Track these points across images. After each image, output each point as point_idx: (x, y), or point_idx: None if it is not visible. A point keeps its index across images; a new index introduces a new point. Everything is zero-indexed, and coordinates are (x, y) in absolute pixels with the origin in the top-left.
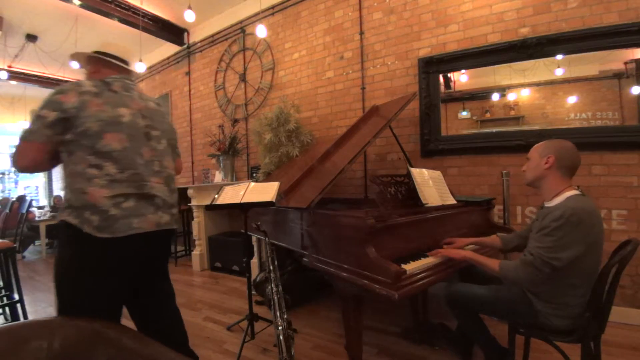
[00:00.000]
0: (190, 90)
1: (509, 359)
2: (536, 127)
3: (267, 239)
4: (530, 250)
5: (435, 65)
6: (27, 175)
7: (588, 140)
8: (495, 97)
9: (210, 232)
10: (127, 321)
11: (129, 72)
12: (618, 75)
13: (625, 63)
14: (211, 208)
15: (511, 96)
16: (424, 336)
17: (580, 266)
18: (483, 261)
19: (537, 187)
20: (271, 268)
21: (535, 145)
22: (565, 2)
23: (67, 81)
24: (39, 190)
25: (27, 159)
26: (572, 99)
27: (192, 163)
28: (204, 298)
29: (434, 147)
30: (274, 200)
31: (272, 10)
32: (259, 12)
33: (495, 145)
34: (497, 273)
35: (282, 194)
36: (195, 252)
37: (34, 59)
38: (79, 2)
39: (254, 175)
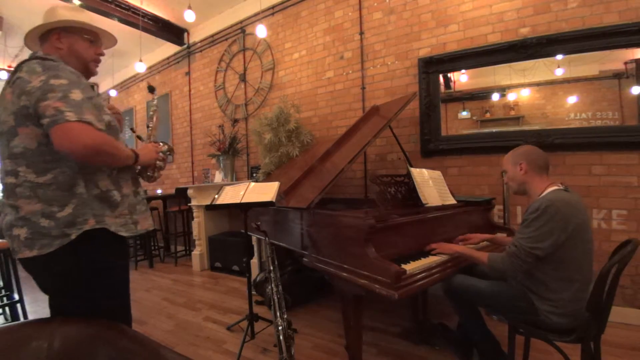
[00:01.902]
0: (190, 90)
1: (509, 359)
2: (536, 127)
3: (267, 239)
4: (514, 242)
5: (435, 65)
6: None
7: (588, 140)
8: (495, 97)
9: (210, 232)
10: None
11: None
12: (618, 75)
13: (625, 63)
14: (211, 208)
15: (511, 96)
16: (424, 336)
17: (569, 258)
18: (474, 254)
19: (524, 192)
20: (271, 268)
21: (504, 158)
22: (565, 2)
23: None
24: None
25: None
26: (572, 99)
27: (192, 163)
28: (204, 298)
29: (434, 147)
30: (274, 200)
31: (272, 10)
32: (259, 12)
33: (495, 145)
34: (486, 264)
35: (282, 194)
36: (195, 252)
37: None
38: (79, 2)
39: (254, 175)
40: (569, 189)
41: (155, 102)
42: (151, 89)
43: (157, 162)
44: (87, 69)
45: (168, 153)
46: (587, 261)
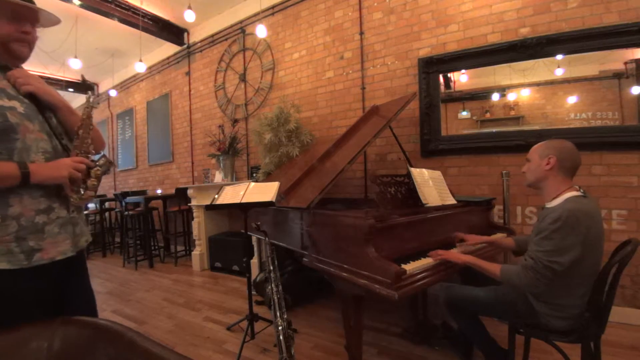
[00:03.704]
0: (190, 90)
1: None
2: (536, 127)
3: (267, 239)
4: (530, 254)
5: (435, 65)
6: None
7: (588, 140)
8: (495, 97)
9: (210, 232)
10: (126, 320)
11: None
12: (618, 75)
13: (625, 63)
14: (211, 208)
15: (511, 96)
16: (424, 336)
17: (579, 268)
18: (484, 266)
19: (538, 188)
20: (271, 268)
21: (535, 146)
22: (565, 2)
23: (67, 81)
24: None
25: None
26: (572, 99)
27: (192, 163)
28: (204, 298)
29: (434, 147)
30: (274, 200)
31: (272, 10)
32: (259, 12)
33: (495, 145)
34: (499, 278)
35: (282, 194)
36: (195, 252)
37: (34, 59)
38: (79, 2)
39: (254, 175)
40: (587, 194)
41: (92, 100)
42: (87, 86)
43: (86, 179)
44: (8, 51)
45: (100, 170)
46: (594, 269)
